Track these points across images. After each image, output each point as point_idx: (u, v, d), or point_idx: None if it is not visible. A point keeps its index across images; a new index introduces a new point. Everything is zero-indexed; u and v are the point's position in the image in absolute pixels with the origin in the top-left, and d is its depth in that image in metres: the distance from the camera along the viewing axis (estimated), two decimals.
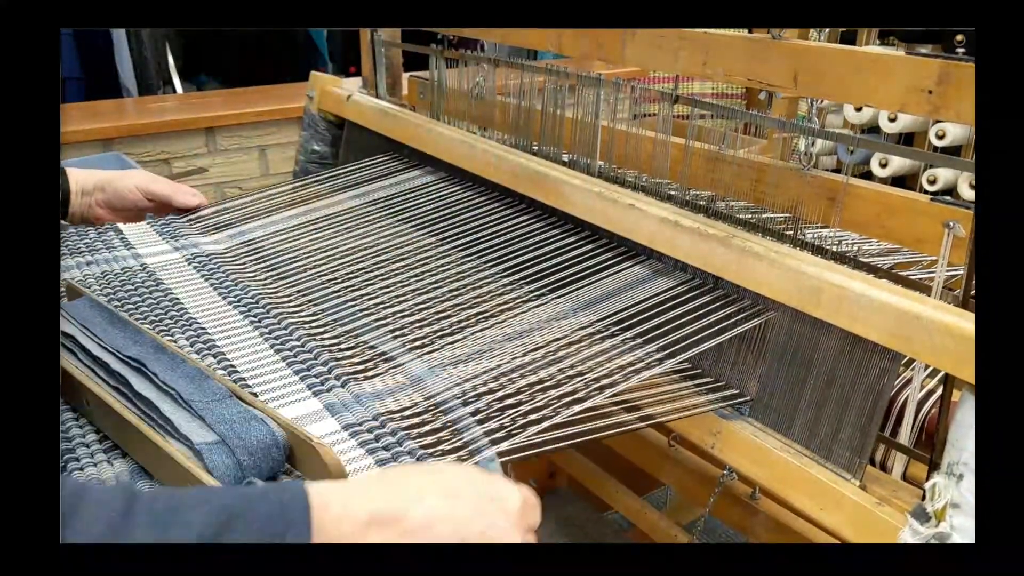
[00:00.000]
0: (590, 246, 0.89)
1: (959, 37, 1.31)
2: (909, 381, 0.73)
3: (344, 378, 0.68)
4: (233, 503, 0.42)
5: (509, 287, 0.84)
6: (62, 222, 1.02)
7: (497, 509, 0.49)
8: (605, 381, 0.67)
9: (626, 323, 0.76)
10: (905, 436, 0.71)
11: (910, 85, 0.61)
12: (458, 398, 0.66)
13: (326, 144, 1.33)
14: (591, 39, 0.87)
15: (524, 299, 0.82)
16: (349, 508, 0.45)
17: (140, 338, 0.65)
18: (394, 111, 1.20)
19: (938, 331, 0.57)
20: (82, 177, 1.03)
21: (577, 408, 0.64)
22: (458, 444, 0.60)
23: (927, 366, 0.70)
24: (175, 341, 0.73)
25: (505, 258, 0.90)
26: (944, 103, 0.60)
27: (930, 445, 0.68)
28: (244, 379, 0.68)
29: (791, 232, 0.73)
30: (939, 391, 0.75)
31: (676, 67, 0.77)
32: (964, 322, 0.56)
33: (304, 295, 0.85)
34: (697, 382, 0.75)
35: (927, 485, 0.56)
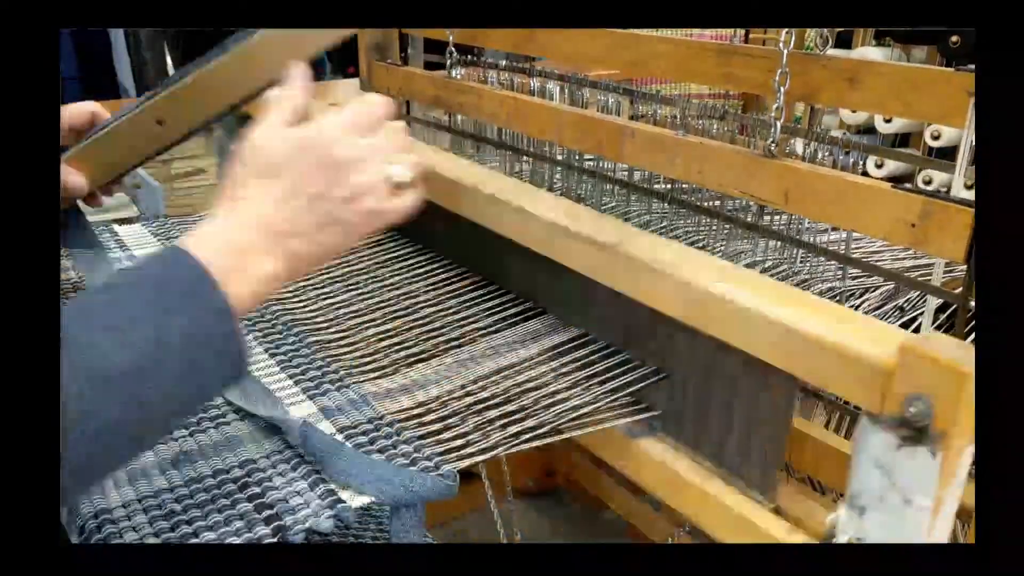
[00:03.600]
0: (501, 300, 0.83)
1: (954, 39, 1.32)
2: None
3: (338, 382, 0.69)
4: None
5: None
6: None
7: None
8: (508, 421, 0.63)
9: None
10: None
11: (895, 217, 0.62)
12: (456, 399, 0.66)
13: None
14: (592, 136, 0.87)
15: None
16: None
17: None
18: None
19: (827, 350, 0.50)
20: None
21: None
22: (456, 444, 0.61)
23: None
24: None
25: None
26: (926, 237, 0.61)
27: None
28: None
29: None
30: None
31: (673, 171, 0.79)
32: (858, 342, 0.49)
33: (299, 297, 0.85)
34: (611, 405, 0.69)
35: (829, 518, 0.51)
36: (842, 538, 0.49)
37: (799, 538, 0.58)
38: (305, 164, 0.53)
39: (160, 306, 0.47)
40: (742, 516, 0.60)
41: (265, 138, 0.54)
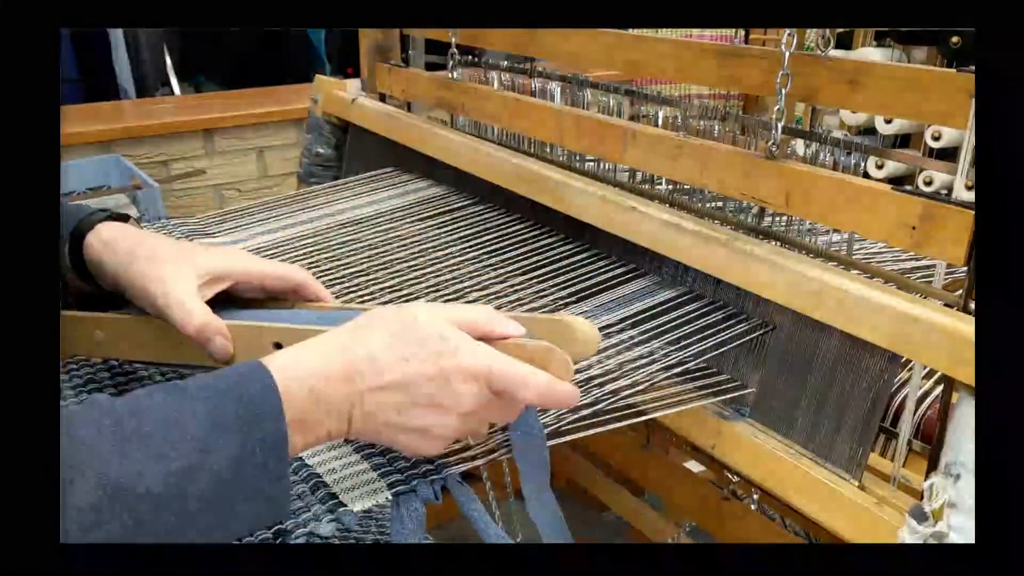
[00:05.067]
0: (600, 263, 0.88)
1: (954, 39, 1.32)
2: (907, 382, 0.73)
3: None
4: (204, 435, 0.42)
5: (512, 301, 0.84)
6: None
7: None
8: (605, 379, 0.67)
9: (630, 328, 0.76)
10: (903, 436, 0.71)
11: (895, 219, 0.63)
12: None
13: (330, 147, 1.32)
14: (593, 136, 0.89)
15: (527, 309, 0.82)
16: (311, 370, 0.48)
17: None
18: (398, 115, 1.20)
19: (936, 333, 0.57)
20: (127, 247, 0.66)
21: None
22: (457, 447, 0.60)
23: (925, 367, 0.70)
24: None
25: (509, 273, 0.89)
26: (926, 240, 0.61)
27: (928, 445, 0.68)
28: None
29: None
30: (936, 391, 0.76)
31: (674, 173, 0.80)
32: (962, 324, 0.56)
33: None
34: (699, 383, 0.75)
35: (925, 485, 0.56)
36: (936, 503, 0.54)
37: (886, 511, 0.61)
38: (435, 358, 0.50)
39: (215, 423, 0.43)
40: (833, 492, 0.65)
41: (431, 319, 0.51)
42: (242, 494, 0.43)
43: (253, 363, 0.46)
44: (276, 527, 0.52)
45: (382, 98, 1.29)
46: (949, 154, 1.51)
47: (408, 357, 0.49)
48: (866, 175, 1.48)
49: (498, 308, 0.80)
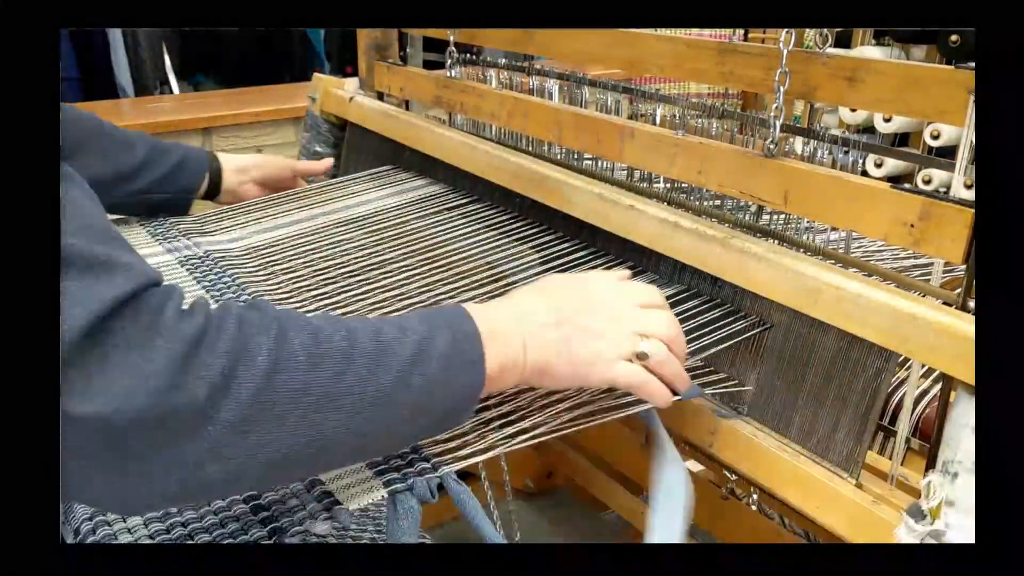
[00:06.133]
0: (597, 261, 0.88)
1: (953, 38, 1.32)
2: (905, 380, 0.73)
3: None
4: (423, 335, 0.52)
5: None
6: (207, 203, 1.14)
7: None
8: None
9: None
10: (900, 435, 0.71)
11: (893, 217, 0.63)
12: None
13: (328, 146, 1.32)
14: (591, 134, 0.88)
15: None
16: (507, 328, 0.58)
17: None
18: (396, 113, 1.20)
19: (934, 331, 0.57)
20: (233, 159, 1.17)
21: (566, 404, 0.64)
22: (454, 445, 0.60)
23: (923, 366, 0.70)
24: None
25: (505, 272, 0.89)
26: (924, 238, 0.61)
27: (926, 443, 0.68)
28: None
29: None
30: (934, 390, 0.76)
31: (672, 171, 0.80)
32: (961, 322, 0.56)
33: (297, 299, 0.85)
34: (696, 381, 0.75)
35: (923, 483, 0.56)
36: (934, 501, 0.53)
37: (883, 510, 0.61)
38: (570, 291, 0.62)
39: (428, 329, 0.53)
40: (831, 490, 0.64)
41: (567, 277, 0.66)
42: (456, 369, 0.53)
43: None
44: (271, 525, 0.52)
45: (380, 96, 1.29)
46: (948, 153, 1.51)
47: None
48: (865, 173, 1.48)
49: None
